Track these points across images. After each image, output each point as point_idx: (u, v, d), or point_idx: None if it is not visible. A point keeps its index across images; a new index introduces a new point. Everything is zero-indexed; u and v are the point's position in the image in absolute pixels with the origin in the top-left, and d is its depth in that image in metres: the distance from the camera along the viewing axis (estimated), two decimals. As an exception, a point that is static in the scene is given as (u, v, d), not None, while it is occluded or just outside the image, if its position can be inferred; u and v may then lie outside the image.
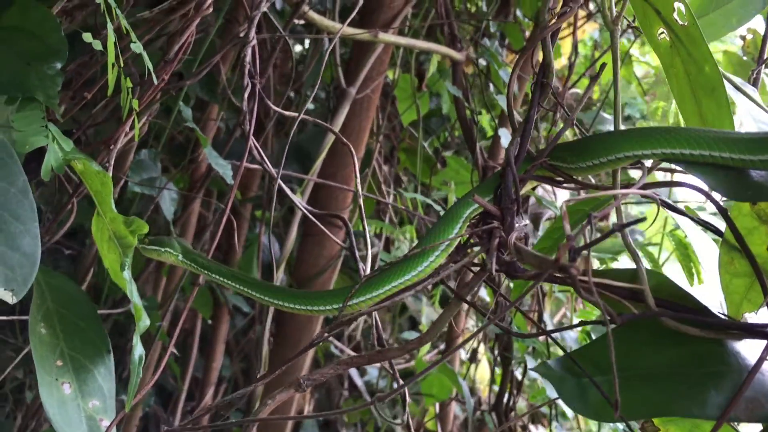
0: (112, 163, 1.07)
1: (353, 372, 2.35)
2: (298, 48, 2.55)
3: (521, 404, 2.52)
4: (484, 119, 2.43)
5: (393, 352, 0.77)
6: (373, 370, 2.46)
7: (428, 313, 2.45)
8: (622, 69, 2.31)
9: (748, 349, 0.72)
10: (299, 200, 1.14)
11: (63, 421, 0.86)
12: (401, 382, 1.10)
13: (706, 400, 0.65)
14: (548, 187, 1.91)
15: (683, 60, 0.86)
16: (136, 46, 0.97)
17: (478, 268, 0.79)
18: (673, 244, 1.64)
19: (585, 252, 0.59)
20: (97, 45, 1.01)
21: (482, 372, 2.56)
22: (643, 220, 0.55)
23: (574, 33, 1.12)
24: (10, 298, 0.79)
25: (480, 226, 0.80)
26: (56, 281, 1.00)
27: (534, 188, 0.83)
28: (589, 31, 2.56)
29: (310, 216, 1.16)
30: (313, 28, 1.81)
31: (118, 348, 2.14)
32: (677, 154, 0.70)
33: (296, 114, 1.24)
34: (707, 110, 0.83)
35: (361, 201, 1.16)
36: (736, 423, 0.69)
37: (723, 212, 0.72)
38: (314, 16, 1.62)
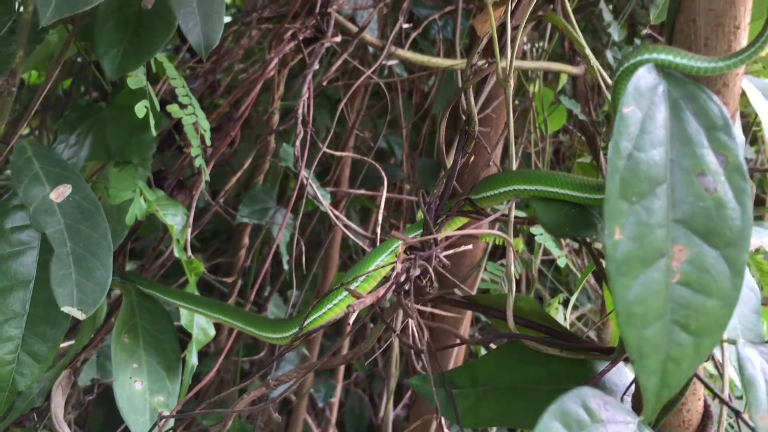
0: (194, 206, 1.34)
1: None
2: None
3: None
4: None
5: (340, 359, 0.92)
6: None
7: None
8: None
9: (617, 371, 0.78)
10: (335, 212, 1.32)
11: (129, 408, 1.14)
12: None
13: (539, 414, 0.73)
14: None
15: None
16: (188, 119, 1.23)
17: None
18: None
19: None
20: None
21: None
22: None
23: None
24: (80, 315, 1.07)
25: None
26: (147, 303, 1.29)
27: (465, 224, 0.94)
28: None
29: (344, 230, 1.33)
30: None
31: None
32: (533, 191, 0.78)
33: (347, 153, 1.43)
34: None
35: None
36: None
37: (586, 245, 0.78)
38: (405, 54, 1.78)
